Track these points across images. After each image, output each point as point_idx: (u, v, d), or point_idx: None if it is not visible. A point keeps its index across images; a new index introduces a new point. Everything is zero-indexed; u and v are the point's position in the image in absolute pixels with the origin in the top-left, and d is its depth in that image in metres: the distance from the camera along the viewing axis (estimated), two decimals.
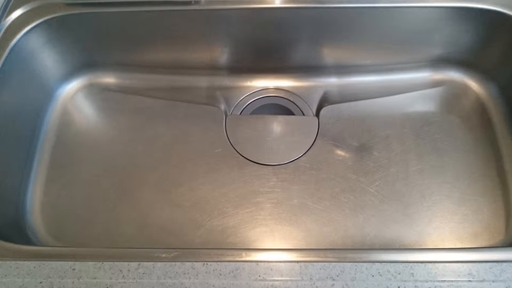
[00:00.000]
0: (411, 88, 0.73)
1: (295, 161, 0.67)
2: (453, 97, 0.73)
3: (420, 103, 0.72)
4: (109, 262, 0.46)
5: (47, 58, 0.69)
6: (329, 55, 0.72)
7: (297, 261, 0.46)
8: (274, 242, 0.61)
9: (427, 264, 0.46)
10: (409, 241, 0.60)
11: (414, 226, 0.61)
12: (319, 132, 0.69)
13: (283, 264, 0.46)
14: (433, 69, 0.74)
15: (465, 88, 0.73)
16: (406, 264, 0.46)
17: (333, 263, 0.46)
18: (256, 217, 0.62)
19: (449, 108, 0.71)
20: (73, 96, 0.73)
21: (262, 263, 0.46)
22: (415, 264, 0.46)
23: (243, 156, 0.67)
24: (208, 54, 0.72)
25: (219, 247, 0.59)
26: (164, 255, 0.47)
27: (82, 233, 0.62)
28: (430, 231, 0.61)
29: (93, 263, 0.46)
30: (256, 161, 0.67)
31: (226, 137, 0.69)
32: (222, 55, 0.73)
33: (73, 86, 0.74)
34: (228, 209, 0.63)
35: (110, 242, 0.60)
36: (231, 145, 0.69)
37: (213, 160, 0.67)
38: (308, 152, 0.68)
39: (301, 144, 0.68)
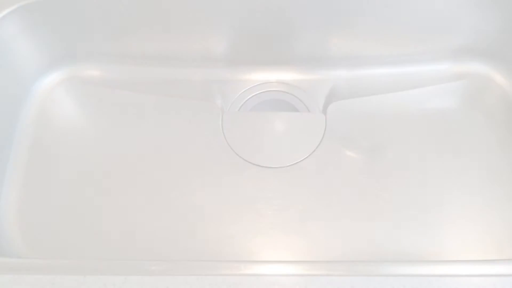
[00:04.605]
0: (429, 82, 0.73)
1: (300, 163, 0.67)
2: (476, 92, 0.72)
3: (439, 98, 0.72)
4: (93, 276, 0.46)
5: (22, 48, 0.68)
6: (338, 44, 0.72)
7: (302, 275, 0.46)
8: (276, 253, 0.61)
9: (446, 277, 0.45)
10: (426, 253, 0.60)
11: (432, 235, 0.61)
12: (326, 131, 0.69)
13: (286, 278, 0.46)
14: (454, 61, 0.74)
15: (490, 81, 0.73)
16: (424, 278, 0.45)
17: (342, 277, 0.46)
18: (256, 226, 0.62)
19: (472, 104, 0.71)
20: (52, 91, 0.73)
21: (263, 277, 0.46)
22: (434, 277, 0.45)
23: (241, 158, 0.67)
24: (203, 44, 0.72)
25: (215, 259, 0.58)
26: (153, 268, 0.47)
27: (63, 243, 0.61)
28: (450, 241, 0.61)
29: (75, 277, 0.46)
30: (256, 163, 0.67)
31: (223, 137, 0.69)
32: (219, 45, 0.72)
33: (52, 79, 0.73)
34: (225, 216, 0.63)
35: (93, 253, 0.60)
36: (229, 145, 0.68)
37: (209, 162, 0.67)
38: (314, 153, 0.68)
39: (306, 145, 0.68)
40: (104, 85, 0.74)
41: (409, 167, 0.66)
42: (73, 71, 0.74)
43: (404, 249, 0.60)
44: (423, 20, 0.68)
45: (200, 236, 0.61)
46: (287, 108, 0.73)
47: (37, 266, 0.48)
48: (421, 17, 0.68)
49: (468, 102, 0.72)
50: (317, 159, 0.67)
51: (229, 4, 0.66)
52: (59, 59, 0.73)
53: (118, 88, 0.73)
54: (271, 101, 0.74)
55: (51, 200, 0.65)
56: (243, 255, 0.60)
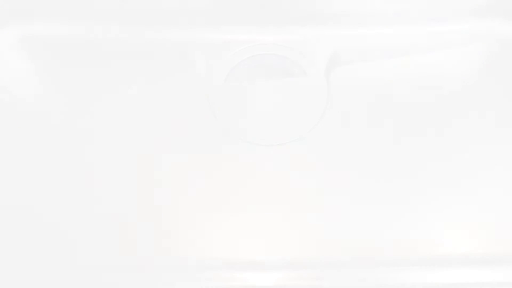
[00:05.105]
0: (446, 44, 0.68)
1: (299, 139, 0.62)
2: (497, 56, 0.68)
3: (456, 63, 0.67)
4: None
5: None
6: None
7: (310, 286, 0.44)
8: (277, 253, 0.54)
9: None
10: (440, 242, 0.55)
11: (445, 222, 0.56)
12: (328, 100, 0.64)
13: None
14: (475, 20, 0.68)
15: None
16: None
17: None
18: (250, 214, 0.57)
19: (494, 70, 0.66)
20: (3, 54, 0.67)
21: None
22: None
23: (231, 134, 0.62)
24: None
25: (203, 266, 0.52)
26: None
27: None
28: (466, 227, 0.56)
29: None
30: (248, 140, 0.62)
31: (209, 109, 0.64)
32: None
33: (3, 40, 0.67)
34: (212, 208, 0.57)
35: (60, 259, 0.53)
36: (215, 119, 0.63)
37: (193, 139, 0.61)
38: (315, 127, 0.62)
39: (306, 118, 0.63)
40: (64, 46, 0.68)
41: (426, 144, 0.61)
42: (26, 30, 0.68)
43: (421, 245, 0.55)
44: None
45: (183, 234, 0.55)
46: (282, 75, 0.68)
47: None
48: None
49: (488, 67, 0.67)
50: (318, 135, 0.62)
51: None
52: (9, 16, 0.67)
53: (81, 50, 0.67)
54: (264, 67, 0.68)
55: (6, 189, 0.58)
56: (231, 251, 0.54)
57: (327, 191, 0.58)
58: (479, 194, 0.58)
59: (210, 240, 0.55)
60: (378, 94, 0.65)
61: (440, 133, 0.62)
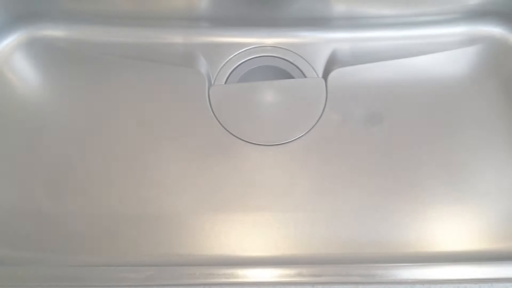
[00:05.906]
0: (441, 47, 0.68)
1: (299, 139, 0.62)
2: (493, 58, 0.68)
3: (452, 65, 0.67)
4: None
5: None
6: (340, 2, 0.66)
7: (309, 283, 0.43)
8: (277, 250, 0.55)
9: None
10: (440, 238, 0.56)
11: (444, 219, 0.57)
12: (327, 101, 0.64)
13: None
14: (469, 23, 0.69)
15: (508, 46, 0.68)
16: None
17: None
18: (252, 219, 0.57)
19: (488, 72, 0.67)
20: (9, 56, 0.67)
21: (263, 286, 0.43)
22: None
23: (231, 134, 0.62)
24: (185, 0, 0.66)
25: (204, 263, 0.53)
26: (133, 276, 0.44)
27: (22, 246, 0.55)
28: (462, 225, 0.57)
29: None
30: (249, 140, 0.62)
31: (210, 109, 0.64)
32: (203, 2, 0.67)
33: (9, 43, 0.67)
34: (213, 207, 0.57)
35: (60, 257, 0.54)
36: (216, 119, 0.63)
37: (193, 140, 0.61)
38: (314, 127, 0.63)
39: (305, 118, 0.63)
40: (71, 49, 0.68)
41: (424, 143, 0.61)
42: (34, 32, 0.68)
43: (414, 235, 0.56)
44: None
45: (183, 233, 0.56)
46: (282, 76, 0.68)
47: None
48: None
49: (483, 69, 0.67)
50: (318, 135, 0.62)
51: None
52: (17, 18, 0.67)
53: (87, 51, 0.68)
54: (264, 68, 0.69)
55: (9, 184, 0.58)
56: (236, 258, 0.55)
57: (326, 190, 0.58)
58: (478, 193, 0.58)
59: (210, 237, 0.55)
60: (376, 96, 0.65)
61: (438, 134, 0.62)
